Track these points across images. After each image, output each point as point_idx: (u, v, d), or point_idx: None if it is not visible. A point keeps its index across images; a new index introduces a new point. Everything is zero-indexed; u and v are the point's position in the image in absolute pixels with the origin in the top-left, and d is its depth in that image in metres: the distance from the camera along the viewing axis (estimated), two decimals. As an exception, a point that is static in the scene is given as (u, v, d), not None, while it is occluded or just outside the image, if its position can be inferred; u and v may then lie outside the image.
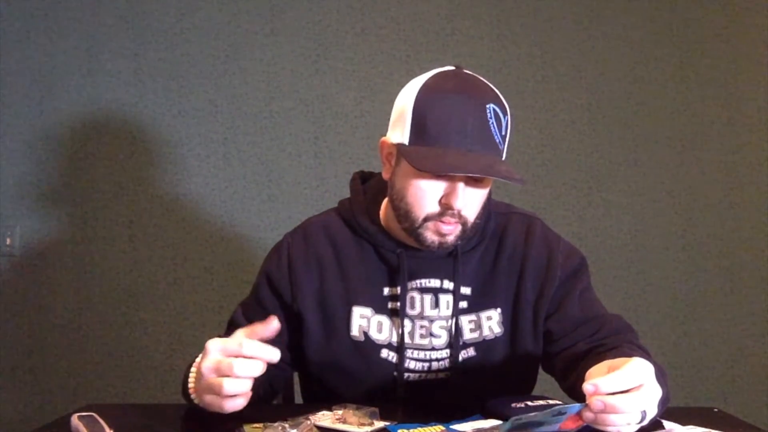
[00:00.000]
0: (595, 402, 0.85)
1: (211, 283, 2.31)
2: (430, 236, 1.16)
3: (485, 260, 1.25)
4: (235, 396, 0.96)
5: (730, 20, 2.45)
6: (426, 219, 1.15)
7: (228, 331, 1.28)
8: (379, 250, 1.24)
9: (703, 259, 2.42)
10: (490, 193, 1.28)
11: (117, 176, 2.31)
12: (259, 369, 0.94)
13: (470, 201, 1.15)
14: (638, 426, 0.90)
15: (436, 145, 1.10)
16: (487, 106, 1.11)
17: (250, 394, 0.97)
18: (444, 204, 1.13)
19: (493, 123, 1.10)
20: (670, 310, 2.41)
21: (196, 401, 1.05)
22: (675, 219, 2.42)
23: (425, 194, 1.14)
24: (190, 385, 1.06)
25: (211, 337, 1.00)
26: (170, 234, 2.31)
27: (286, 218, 2.31)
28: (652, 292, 2.40)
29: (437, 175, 1.12)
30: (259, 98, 2.34)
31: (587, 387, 0.86)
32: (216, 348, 0.97)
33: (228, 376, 0.94)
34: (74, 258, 2.29)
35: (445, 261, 1.23)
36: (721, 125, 2.44)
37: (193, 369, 1.07)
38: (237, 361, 0.94)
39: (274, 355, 0.95)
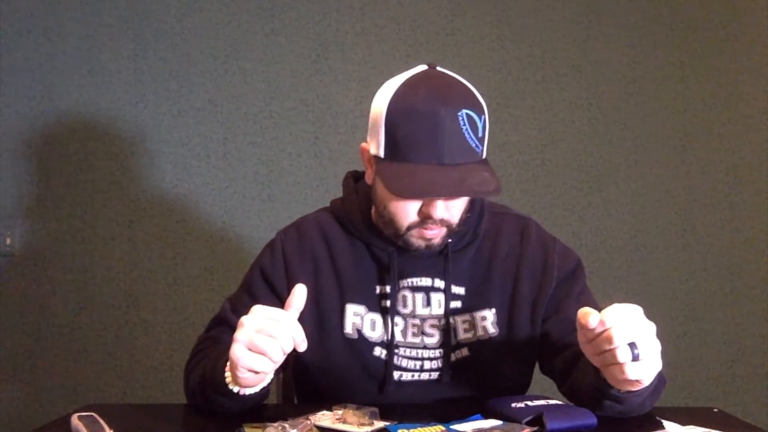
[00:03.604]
0: (592, 318, 0.89)
1: (211, 283, 2.31)
2: (415, 241, 1.18)
3: (479, 260, 1.25)
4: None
5: (730, 20, 2.44)
6: (409, 228, 1.17)
7: (213, 329, 1.27)
8: (371, 249, 1.25)
9: (703, 259, 2.42)
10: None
11: (117, 176, 2.31)
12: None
13: (451, 209, 1.16)
14: (636, 367, 0.90)
15: (408, 161, 1.11)
16: (459, 114, 1.09)
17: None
18: (424, 214, 1.15)
19: (467, 130, 1.10)
20: (670, 310, 2.41)
21: (228, 380, 1.02)
22: (675, 219, 2.42)
23: (405, 209, 1.16)
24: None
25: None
26: (170, 234, 2.31)
27: (286, 218, 2.28)
28: (652, 292, 2.40)
29: None
30: (259, 98, 2.34)
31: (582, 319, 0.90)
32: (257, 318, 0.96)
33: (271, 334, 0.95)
34: (74, 258, 2.29)
35: (437, 260, 1.23)
36: (721, 125, 2.44)
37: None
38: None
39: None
